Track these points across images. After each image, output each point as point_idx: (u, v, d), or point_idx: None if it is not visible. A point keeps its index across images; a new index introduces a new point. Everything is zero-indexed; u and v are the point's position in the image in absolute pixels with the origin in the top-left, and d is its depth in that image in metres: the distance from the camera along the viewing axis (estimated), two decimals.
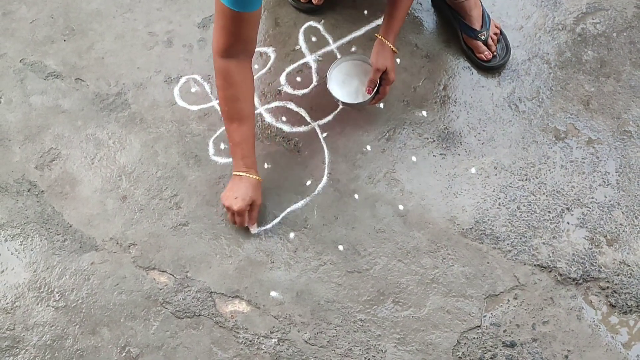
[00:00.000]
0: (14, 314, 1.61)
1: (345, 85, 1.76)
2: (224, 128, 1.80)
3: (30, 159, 1.80)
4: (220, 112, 1.73)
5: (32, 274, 1.66)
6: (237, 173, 1.61)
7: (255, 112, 1.82)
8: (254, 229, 1.67)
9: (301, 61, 1.89)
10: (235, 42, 1.47)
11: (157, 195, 1.73)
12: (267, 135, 1.80)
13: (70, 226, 1.71)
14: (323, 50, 1.91)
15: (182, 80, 1.88)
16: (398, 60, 1.86)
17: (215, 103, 1.84)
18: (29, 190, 1.75)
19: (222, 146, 1.78)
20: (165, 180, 1.75)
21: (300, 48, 1.91)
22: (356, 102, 1.73)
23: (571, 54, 1.87)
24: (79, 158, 1.79)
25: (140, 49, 1.94)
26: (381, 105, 1.81)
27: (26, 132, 1.83)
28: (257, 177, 1.63)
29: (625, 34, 1.90)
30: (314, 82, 1.87)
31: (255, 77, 1.86)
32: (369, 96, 1.71)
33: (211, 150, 1.78)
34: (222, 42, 1.47)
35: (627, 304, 1.57)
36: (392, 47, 1.68)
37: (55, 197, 1.74)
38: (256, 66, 1.88)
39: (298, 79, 1.87)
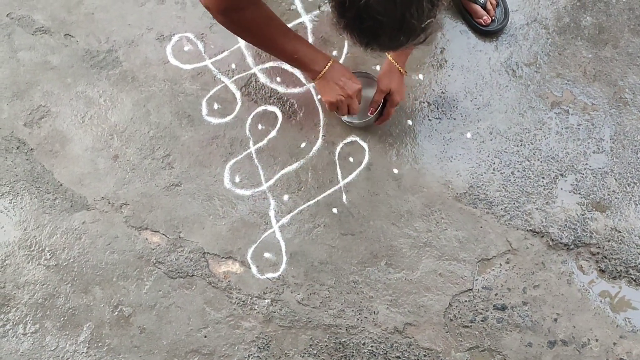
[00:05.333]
0: (4, 272, 1.60)
1: None
2: (217, 88, 1.77)
3: (18, 116, 1.76)
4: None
5: (22, 233, 1.64)
6: (324, 66, 1.48)
7: (249, 72, 1.79)
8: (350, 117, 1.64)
9: (297, 21, 1.85)
10: None
11: (150, 154, 1.71)
12: (262, 96, 1.77)
13: (61, 185, 1.68)
14: (319, 10, 1.86)
15: (175, 38, 1.84)
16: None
17: (209, 62, 1.80)
18: (17, 148, 1.72)
19: (216, 106, 1.75)
20: (158, 140, 1.72)
21: (296, 8, 1.87)
22: (357, 121, 1.67)
23: (570, 20, 1.85)
24: (69, 116, 1.76)
25: (132, 5, 1.88)
26: (377, 67, 1.78)
27: (14, 88, 1.79)
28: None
29: (624, 0, 1.87)
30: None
31: None
32: (371, 116, 1.64)
33: (204, 110, 1.75)
34: None
35: (616, 269, 1.59)
36: (400, 69, 1.58)
37: (45, 155, 1.71)
38: None
39: None
